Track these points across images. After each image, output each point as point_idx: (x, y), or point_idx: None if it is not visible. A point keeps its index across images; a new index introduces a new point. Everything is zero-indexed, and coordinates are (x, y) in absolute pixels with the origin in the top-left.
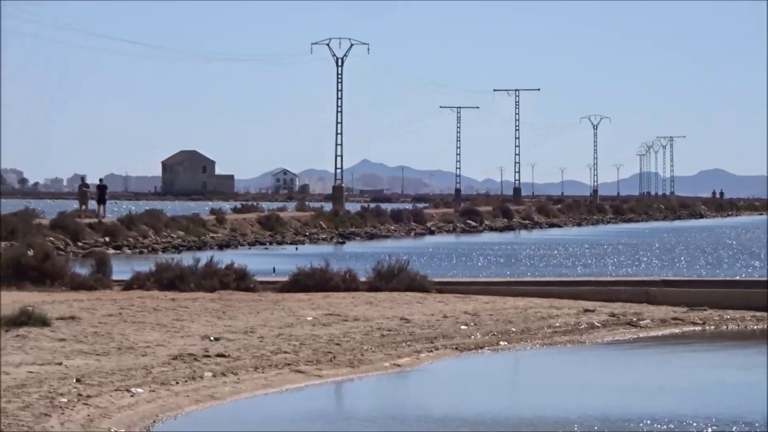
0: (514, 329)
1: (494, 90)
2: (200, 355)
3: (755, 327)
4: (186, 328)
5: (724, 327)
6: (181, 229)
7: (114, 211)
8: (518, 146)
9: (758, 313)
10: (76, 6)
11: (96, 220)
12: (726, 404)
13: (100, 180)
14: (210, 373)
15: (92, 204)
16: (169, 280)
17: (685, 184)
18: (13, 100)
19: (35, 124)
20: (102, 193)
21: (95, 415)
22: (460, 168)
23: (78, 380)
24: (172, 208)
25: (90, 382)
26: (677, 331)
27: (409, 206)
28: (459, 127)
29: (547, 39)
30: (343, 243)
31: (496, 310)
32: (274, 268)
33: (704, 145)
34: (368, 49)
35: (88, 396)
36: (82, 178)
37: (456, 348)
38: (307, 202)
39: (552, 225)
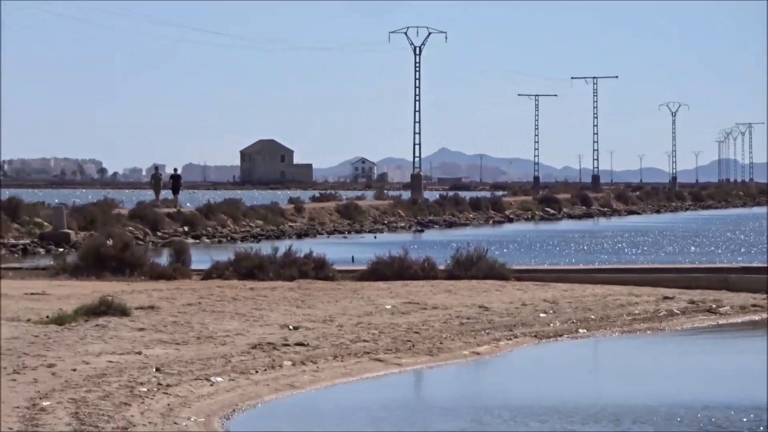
0: (593, 317)
1: (572, 78)
2: (279, 344)
3: None
4: (265, 317)
5: None
6: (259, 219)
7: (193, 200)
8: (596, 134)
9: None
10: None
11: (175, 209)
12: None
13: (174, 170)
14: (289, 362)
15: (166, 193)
16: (248, 269)
17: (764, 170)
18: (91, 91)
19: (115, 115)
20: (176, 182)
21: (175, 404)
22: (538, 156)
23: (158, 369)
24: (250, 197)
25: (170, 372)
26: (757, 318)
27: (487, 194)
28: (537, 115)
29: (625, 26)
30: (422, 231)
31: (575, 297)
32: (352, 257)
33: None
34: (446, 38)
35: (168, 385)
36: (156, 168)
37: (535, 336)
38: (385, 191)
39: (631, 212)
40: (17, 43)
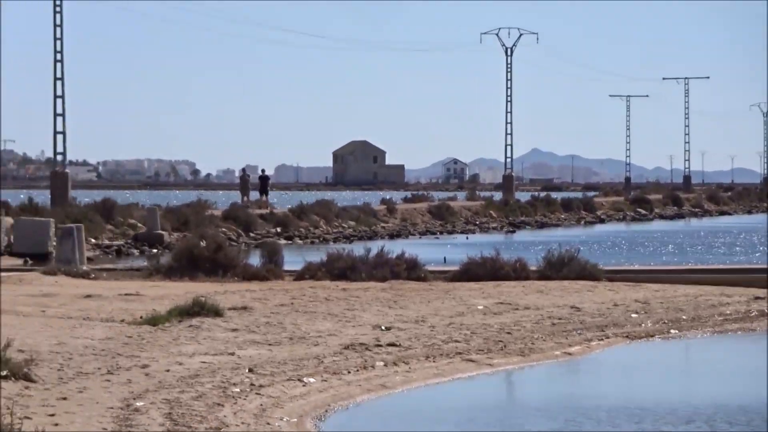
0: (684, 317)
1: (664, 78)
2: (372, 345)
3: None
4: (357, 318)
5: None
6: (352, 219)
7: (285, 201)
8: (688, 134)
9: None
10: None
11: (267, 210)
12: None
13: (262, 171)
14: (381, 363)
15: (255, 195)
16: (341, 270)
17: None
18: (185, 93)
19: (208, 116)
20: (264, 183)
21: (267, 404)
22: (629, 156)
23: (250, 370)
24: (343, 198)
25: (262, 372)
26: None
27: (579, 195)
28: (629, 116)
29: (716, 26)
30: (514, 232)
31: (666, 298)
32: (444, 258)
33: None
34: (537, 39)
35: (261, 386)
36: (243, 170)
37: (627, 336)
38: (477, 192)
39: (722, 213)
40: (109, 45)
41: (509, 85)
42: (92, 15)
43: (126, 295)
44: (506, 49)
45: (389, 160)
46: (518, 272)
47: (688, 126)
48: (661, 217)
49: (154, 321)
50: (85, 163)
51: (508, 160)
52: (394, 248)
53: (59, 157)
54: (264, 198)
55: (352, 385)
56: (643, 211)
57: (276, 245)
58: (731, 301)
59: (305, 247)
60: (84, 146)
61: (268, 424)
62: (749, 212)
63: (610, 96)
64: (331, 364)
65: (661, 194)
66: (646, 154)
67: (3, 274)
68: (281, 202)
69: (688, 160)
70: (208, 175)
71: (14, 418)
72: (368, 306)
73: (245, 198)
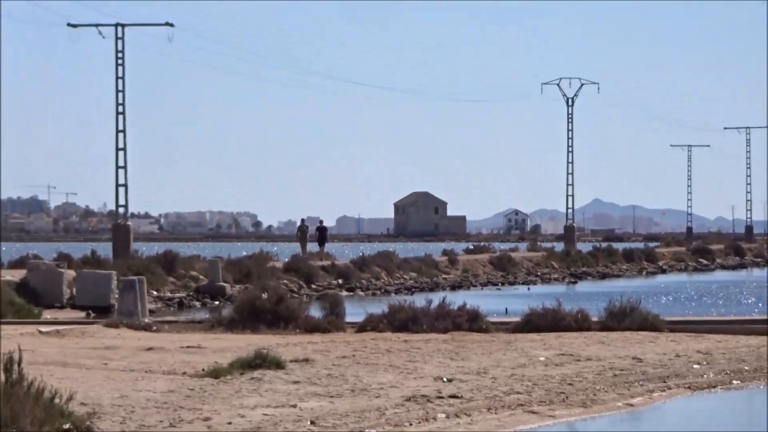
0: (747, 368)
1: (725, 128)
2: (433, 396)
3: None
4: (419, 369)
5: None
6: (413, 271)
7: (346, 253)
8: (750, 184)
9: None
10: (301, 49)
11: (326, 262)
12: None
13: (320, 222)
14: (443, 414)
15: (313, 246)
16: (402, 321)
17: None
18: (245, 145)
19: (269, 167)
20: (322, 234)
21: None
22: (691, 206)
23: (312, 422)
24: (404, 249)
25: (324, 424)
26: None
27: (640, 245)
28: (690, 166)
29: None
30: (575, 283)
31: (728, 348)
32: (506, 309)
33: None
34: (598, 88)
35: None
36: (302, 221)
37: (689, 387)
38: (538, 242)
39: None
40: (171, 97)
41: (570, 135)
42: (154, 66)
43: (188, 347)
44: (567, 99)
45: (450, 211)
46: (580, 323)
47: (749, 176)
48: (723, 267)
49: (216, 373)
50: (147, 216)
51: (570, 210)
52: (456, 299)
53: (121, 210)
54: (322, 249)
55: None
56: (705, 262)
57: (337, 297)
58: None
59: (367, 298)
60: (146, 198)
61: None
62: None
63: (672, 146)
64: (392, 416)
65: (722, 244)
66: (707, 204)
67: (65, 327)
68: (342, 253)
69: (750, 210)
70: (270, 226)
71: None
72: (430, 357)
73: (304, 249)
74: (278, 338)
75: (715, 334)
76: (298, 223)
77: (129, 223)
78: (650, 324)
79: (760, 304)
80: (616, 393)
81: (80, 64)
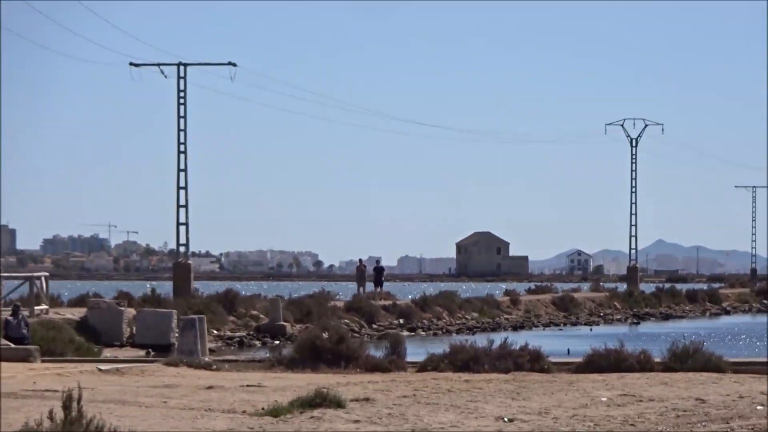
0: None
1: None
2: None
3: None
4: (480, 409)
5: None
6: (475, 311)
7: (408, 292)
8: None
9: None
10: (351, 85)
11: (389, 302)
12: None
13: (377, 261)
14: None
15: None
16: (463, 361)
17: None
18: (306, 184)
19: (331, 207)
20: (378, 275)
21: None
22: (755, 247)
23: None
24: (466, 289)
25: None
26: None
27: (704, 286)
28: (755, 206)
29: None
30: (638, 323)
31: None
32: (568, 349)
33: None
34: (662, 129)
35: None
36: (360, 261)
37: (752, 429)
38: (601, 283)
39: None
40: (231, 136)
41: (634, 176)
42: (215, 105)
43: (248, 386)
44: (631, 139)
45: (513, 251)
46: (642, 364)
47: None
48: None
49: (275, 412)
50: (207, 255)
51: (633, 251)
52: (518, 339)
53: (182, 248)
54: (379, 290)
55: None
56: None
57: (399, 336)
58: None
59: (428, 338)
60: (207, 237)
61: None
62: None
63: (736, 186)
64: None
65: None
66: None
67: (125, 365)
68: (404, 293)
69: None
70: (331, 266)
71: None
72: (491, 397)
73: (361, 289)
74: (339, 377)
75: None
76: (357, 263)
77: (190, 261)
78: (713, 365)
79: None
80: None
81: (142, 103)
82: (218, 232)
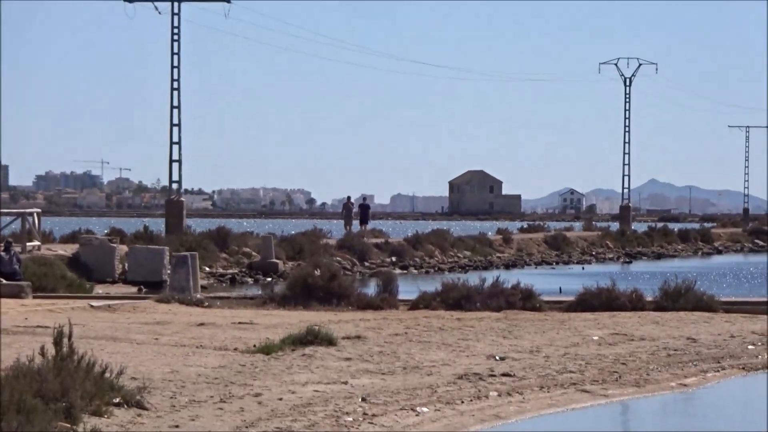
0: None
1: None
2: (485, 375)
3: None
4: (471, 348)
5: None
6: (467, 249)
7: (401, 230)
8: None
9: None
10: (357, 27)
11: (383, 240)
12: None
13: (363, 199)
14: (495, 393)
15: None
16: (455, 299)
17: None
18: (300, 122)
19: (324, 145)
20: (364, 212)
21: None
22: (748, 188)
23: (363, 399)
24: (458, 227)
25: (375, 401)
26: None
27: (696, 226)
28: (747, 147)
29: None
30: (630, 263)
31: None
32: (560, 288)
33: None
34: (656, 69)
35: (374, 415)
36: (348, 198)
37: (743, 368)
38: (594, 222)
39: None
40: (227, 73)
41: (627, 116)
42: (210, 42)
43: (239, 323)
44: (625, 79)
45: (506, 190)
46: (634, 303)
47: None
48: None
49: (267, 350)
50: (200, 192)
51: (626, 190)
52: (510, 278)
53: (174, 186)
54: (364, 227)
55: (465, 415)
56: (761, 243)
57: (391, 274)
58: None
59: (420, 276)
60: (200, 175)
61: None
62: None
63: (729, 126)
64: (444, 394)
65: None
66: (765, 185)
67: (117, 301)
68: (396, 231)
69: None
70: (324, 204)
71: None
72: (482, 336)
73: (348, 227)
74: (330, 315)
75: None
76: (344, 201)
77: (182, 198)
78: (705, 304)
79: None
80: (670, 373)
81: (136, 40)
82: (211, 169)
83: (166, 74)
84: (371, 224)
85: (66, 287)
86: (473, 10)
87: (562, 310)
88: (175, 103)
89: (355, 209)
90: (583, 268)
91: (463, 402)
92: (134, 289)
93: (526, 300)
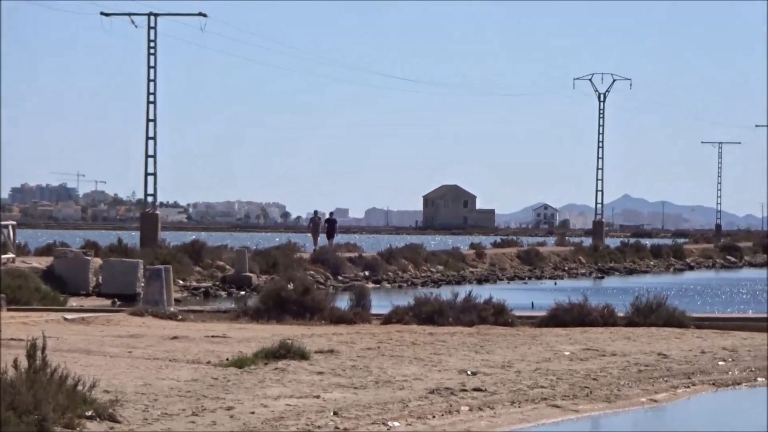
0: None
1: (756, 126)
2: (457, 389)
3: None
4: (443, 362)
5: None
6: (440, 264)
7: (374, 245)
8: None
9: None
10: (331, 39)
11: (356, 254)
12: None
13: (330, 213)
14: (466, 407)
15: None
16: (428, 314)
17: None
18: (276, 136)
19: (298, 158)
20: (331, 227)
21: None
22: (720, 203)
23: (335, 413)
24: (432, 242)
25: (347, 416)
26: None
27: (668, 242)
28: (720, 162)
29: None
30: (602, 278)
31: (754, 346)
32: (532, 303)
33: None
34: (630, 84)
35: (345, 429)
36: (315, 212)
37: (713, 384)
38: (567, 237)
39: None
40: (203, 87)
41: (601, 131)
42: (186, 56)
43: (213, 337)
44: (599, 94)
45: (480, 205)
46: (606, 318)
47: None
48: (751, 265)
49: (240, 363)
50: (175, 205)
51: (599, 205)
52: (482, 293)
53: (150, 199)
54: (331, 241)
55: (436, 429)
56: (733, 259)
57: (364, 288)
58: None
59: (393, 291)
60: (175, 188)
61: None
62: None
63: (703, 142)
64: (416, 408)
65: (751, 242)
66: (737, 201)
67: (91, 314)
68: (370, 245)
69: None
70: (298, 217)
71: None
72: (454, 350)
73: (315, 241)
74: (303, 329)
75: (741, 331)
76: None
77: (157, 212)
78: (676, 320)
79: None
80: (641, 388)
81: (113, 53)
82: (186, 182)
83: (143, 87)
84: (338, 238)
85: (40, 300)
86: (448, 25)
87: (534, 326)
88: (151, 116)
89: (323, 223)
90: (555, 284)
91: (434, 416)
92: (108, 302)
93: (498, 315)
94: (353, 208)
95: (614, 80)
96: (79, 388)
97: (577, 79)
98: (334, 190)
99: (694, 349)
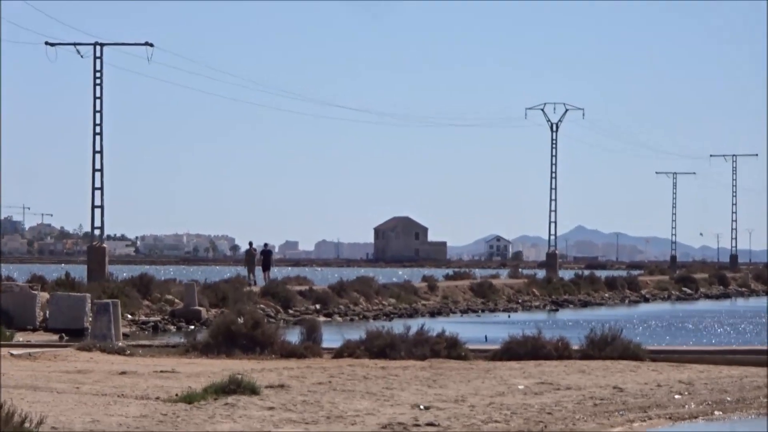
0: (729, 399)
1: (711, 156)
2: (410, 424)
3: None
4: (396, 397)
5: None
6: (392, 297)
7: (325, 279)
8: (735, 212)
9: None
10: (281, 72)
11: (307, 287)
12: None
13: (265, 245)
14: None
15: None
16: (380, 348)
17: None
18: (224, 167)
19: (247, 191)
20: (266, 259)
21: None
22: (675, 235)
23: None
24: (383, 274)
25: None
26: None
27: (623, 273)
28: (675, 193)
29: (764, 102)
30: (557, 310)
31: (710, 379)
32: (486, 336)
33: None
34: (583, 114)
35: None
36: (250, 243)
37: (670, 417)
38: (520, 269)
39: None
40: (149, 119)
41: (554, 161)
42: (133, 87)
43: (162, 372)
44: (551, 124)
45: (431, 237)
46: (560, 351)
47: (735, 204)
48: (707, 296)
49: (189, 398)
50: (123, 238)
51: (552, 237)
52: (435, 326)
53: (97, 232)
54: (266, 274)
55: None
56: (689, 291)
57: (315, 322)
58: None
59: (345, 324)
60: (122, 221)
61: None
62: None
63: (657, 173)
64: None
65: (707, 273)
66: (692, 232)
67: (38, 349)
68: (321, 278)
69: (735, 238)
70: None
71: None
72: (407, 385)
73: (251, 274)
74: (254, 363)
75: (698, 364)
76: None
77: (105, 245)
78: (632, 353)
79: (745, 335)
80: (596, 423)
81: (58, 84)
82: (134, 215)
83: (89, 119)
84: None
85: None
86: (398, 54)
87: (487, 359)
88: (98, 148)
89: (258, 255)
90: (509, 316)
91: None
92: (55, 337)
93: (451, 348)
94: (303, 240)
95: (567, 110)
96: (26, 425)
97: (529, 108)
98: (284, 223)
99: (650, 383)
